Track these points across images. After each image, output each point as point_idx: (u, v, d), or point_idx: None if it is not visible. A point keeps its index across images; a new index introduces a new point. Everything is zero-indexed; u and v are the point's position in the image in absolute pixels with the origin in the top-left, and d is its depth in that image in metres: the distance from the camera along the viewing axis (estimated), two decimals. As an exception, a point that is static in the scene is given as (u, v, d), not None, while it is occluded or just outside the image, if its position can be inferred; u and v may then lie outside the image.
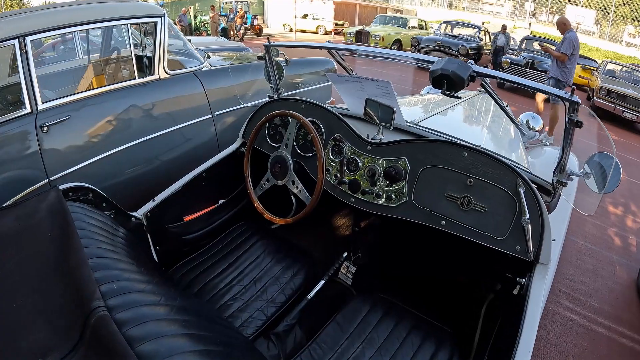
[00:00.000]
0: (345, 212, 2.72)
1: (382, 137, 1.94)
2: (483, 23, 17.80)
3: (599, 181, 1.73)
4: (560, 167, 1.72)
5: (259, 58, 2.47)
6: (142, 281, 1.21)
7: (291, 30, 22.05)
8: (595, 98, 10.50)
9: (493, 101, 3.64)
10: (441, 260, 2.34)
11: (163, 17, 3.14)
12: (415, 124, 2.33)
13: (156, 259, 2.07)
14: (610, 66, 12.87)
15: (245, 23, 19.97)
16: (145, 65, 3.19)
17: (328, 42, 2.35)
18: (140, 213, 2.02)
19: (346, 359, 1.64)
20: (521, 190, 1.55)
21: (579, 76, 14.86)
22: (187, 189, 2.20)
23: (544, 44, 6.77)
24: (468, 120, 3.16)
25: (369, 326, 1.76)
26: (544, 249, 1.53)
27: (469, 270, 2.23)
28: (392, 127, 1.90)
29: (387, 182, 1.85)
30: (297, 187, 2.06)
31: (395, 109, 1.85)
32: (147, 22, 3.10)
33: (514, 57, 11.70)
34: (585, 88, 13.15)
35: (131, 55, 3.05)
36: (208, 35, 18.02)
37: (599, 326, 3.10)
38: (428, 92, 4.07)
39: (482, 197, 1.65)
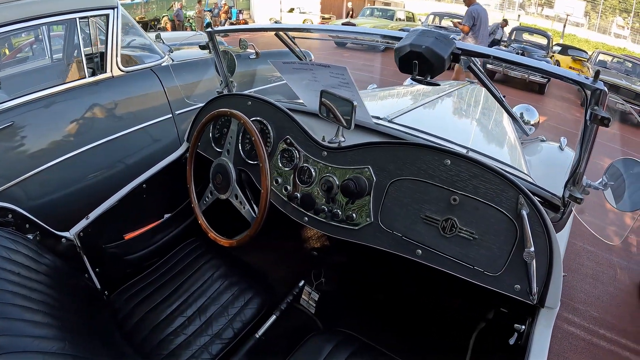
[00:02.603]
0: (307, 229, 2.34)
1: (343, 140, 1.55)
2: (472, 15, 17.57)
3: (620, 195, 1.38)
4: (575, 178, 1.32)
5: (202, 47, 2.13)
6: (42, 336, 0.98)
7: (277, 24, 21.74)
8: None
9: (484, 93, 3.35)
10: (420, 287, 1.99)
11: (116, 9, 2.83)
12: (388, 122, 1.92)
13: (97, 283, 1.81)
14: (601, 57, 12.84)
15: (230, 18, 19.68)
16: (96, 62, 2.88)
17: (276, 22, 1.99)
18: (72, 233, 1.75)
19: None
20: (524, 213, 1.17)
21: (570, 67, 14.80)
22: (125, 203, 1.91)
23: (454, 19, 6.93)
24: (455, 116, 2.73)
25: None
26: (552, 289, 1.18)
27: (453, 298, 1.90)
28: (351, 127, 1.46)
29: (347, 199, 1.48)
30: (240, 203, 1.73)
31: (355, 103, 1.42)
32: (98, 15, 2.78)
33: (504, 48, 11.47)
34: (576, 79, 13.02)
35: (81, 52, 2.75)
36: (193, 30, 17.75)
37: (601, 339, 2.83)
38: (411, 84, 3.65)
39: (470, 220, 1.27)
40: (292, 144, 1.64)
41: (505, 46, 11.80)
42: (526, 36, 13.31)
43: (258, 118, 1.73)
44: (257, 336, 1.71)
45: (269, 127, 1.70)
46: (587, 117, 1.14)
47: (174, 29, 17.90)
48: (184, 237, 2.06)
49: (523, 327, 1.23)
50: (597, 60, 12.38)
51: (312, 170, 1.57)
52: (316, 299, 2.09)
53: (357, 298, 2.20)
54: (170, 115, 3.15)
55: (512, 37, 12.89)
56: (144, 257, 2.01)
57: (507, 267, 1.22)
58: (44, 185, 2.55)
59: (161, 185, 2.07)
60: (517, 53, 10.75)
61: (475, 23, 6.56)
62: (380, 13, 17.44)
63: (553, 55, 13.80)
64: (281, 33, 2.02)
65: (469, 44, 1.29)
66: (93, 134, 2.75)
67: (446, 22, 14.46)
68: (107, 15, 2.79)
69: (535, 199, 1.24)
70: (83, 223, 1.79)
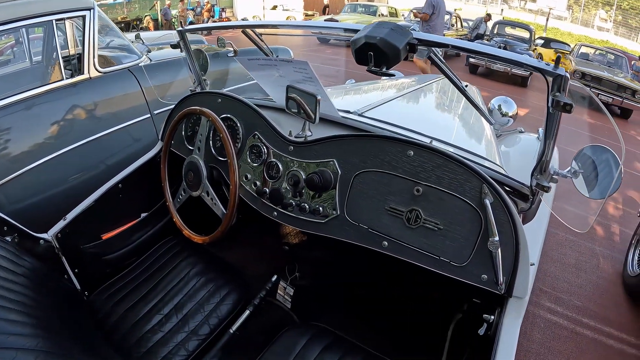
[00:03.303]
0: (284, 226, 2.31)
1: (310, 134, 1.57)
2: (455, 10, 17.59)
3: (590, 183, 1.38)
4: (542, 166, 1.32)
5: (173, 47, 2.13)
6: (17, 333, 0.97)
7: (261, 23, 21.69)
8: (570, 81, 10.43)
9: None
10: (394, 281, 2.01)
11: (92, 10, 2.81)
12: (358, 115, 1.94)
13: (77, 283, 1.83)
14: (583, 49, 12.96)
15: (213, 16, 19.57)
16: (74, 64, 2.86)
17: (243, 19, 1.98)
18: (50, 234, 1.75)
19: None
20: (487, 202, 1.18)
21: (552, 60, 14.90)
22: (102, 203, 1.92)
23: (414, 10, 7.69)
24: (428, 109, 2.72)
25: None
26: (519, 278, 1.18)
27: (428, 292, 1.90)
28: (316, 121, 1.50)
29: (313, 192, 1.50)
30: (211, 199, 1.76)
31: (319, 97, 1.45)
32: (75, 17, 2.76)
33: (486, 42, 11.53)
34: (559, 72, 13.22)
35: (58, 54, 2.73)
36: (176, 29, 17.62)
37: (585, 328, 2.86)
38: (389, 78, 3.68)
39: (435, 210, 1.28)
40: (260, 140, 1.65)
41: (487, 40, 11.84)
42: (509, 30, 13.40)
43: (227, 115, 1.75)
44: (232, 332, 1.71)
45: (238, 124, 1.72)
46: (550, 104, 1.13)
47: (156, 28, 17.79)
48: (162, 236, 2.07)
49: (492, 317, 1.23)
50: (579, 53, 12.47)
51: (280, 165, 1.59)
52: (291, 293, 2.11)
53: (333, 292, 2.22)
54: (149, 115, 3.13)
55: (495, 31, 12.95)
56: (122, 256, 2.01)
57: (473, 257, 1.22)
58: (24, 188, 2.52)
59: (137, 185, 2.06)
60: (499, 47, 10.83)
61: (434, 12, 7.05)
62: (363, 9, 17.35)
63: (535, 48, 13.92)
64: (248, 30, 2.01)
65: (427, 34, 1.28)
66: (72, 136, 2.72)
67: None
68: (84, 17, 2.77)
69: (505, 188, 1.24)
70: (61, 224, 1.80)
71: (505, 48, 10.78)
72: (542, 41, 16.47)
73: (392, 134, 1.57)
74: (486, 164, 1.62)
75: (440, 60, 1.36)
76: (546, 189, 1.31)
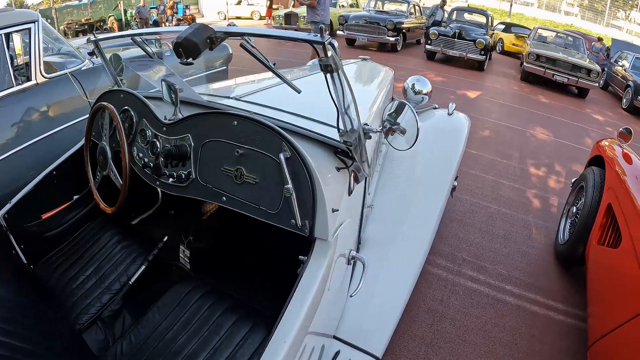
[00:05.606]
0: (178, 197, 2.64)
1: (181, 117, 1.86)
2: (417, -2, 17.72)
3: (401, 135, 1.59)
4: (344, 125, 1.52)
5: (90, 54, 2.39)
6: None
7: (225, 18, 21.72)
8: (525, 63, 10.78)
9: (370, 67, 3.65)
10: (258, 239, 2.41)
11: (37, 22, 3.07)
12: (235, 100, 2.25)
13: (23, 258, 2.19)
14: (542, 32, 13.17)
15: (177, 13, 19.35)
16: (22, 72, 3.09)
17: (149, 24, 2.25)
18: None
19: (160, 342, 1.65)
20: (282, 156, 1.42)
21: (513, 44, 15.33)
22: (40, 188, 2.26)
23: None
24: (310, 89, 2.54)
25: (183, 309, 1.75)
26: (318, 221, 1.41)
27: (283, 246, 2.18)
28: (177, 104, 1.88)
29: (175, 162, 1.80)
30: (114, 176, 2.10)
31: (177, 87, 1.86)
32: (21, 30, 3.01)
33: (442, 28, 11.67)
34: (518, 55, 13.52)
35: (7, 64, 2.92)
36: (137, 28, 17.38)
37: (507, 295, 2.94)
38: (313, 64, 3.92)
39: (253, 167, 1.55)
40: (145, 124, 1.96)
41: (444, 27, 11.97)
42: (467, 16, 13.57)
43: (126, 107, 2.05)
44: (130, 283, 2.10)
45: (133, 113, 2.03)
46: (321, 68, 1.33)
47: (120, 28, 17.60)
48: (92, 215, 2.44)
49: (306, 257, 1.43)
50: (536, 36, 12.72)
51: (158, 143, 1.88)
52: (188, 254, 2.47)
53: (219, 252, 2.62)
54: (91, 114, 3.32)
55: (453, 18, 13.07)
56: (61, 233, 2.35)
57: (283, 205, 1.45)
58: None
59: (69, 171, 2.40)
60: (454, 32, 11.02)
61: None
62: (325, 0, 17.32)
63: (493, 34, 14.16)
64: (136, 38, 2.28)
65: (236, 26, 1.51)
66: (23, 137, 2.94)
67: (388, 7, 14.48)
68: (29, 29, 3.00)
69: (337, 149, 1.59)
70: (7, 207, 2.14)
71: (460, 34, 10.98)
72: (503, 26, 16.84)
73: (224, 109, 1.84)
74: (316, 127, 1.85)
75: (251, 45, 1.57)
76: (349, 144, 1.56)
